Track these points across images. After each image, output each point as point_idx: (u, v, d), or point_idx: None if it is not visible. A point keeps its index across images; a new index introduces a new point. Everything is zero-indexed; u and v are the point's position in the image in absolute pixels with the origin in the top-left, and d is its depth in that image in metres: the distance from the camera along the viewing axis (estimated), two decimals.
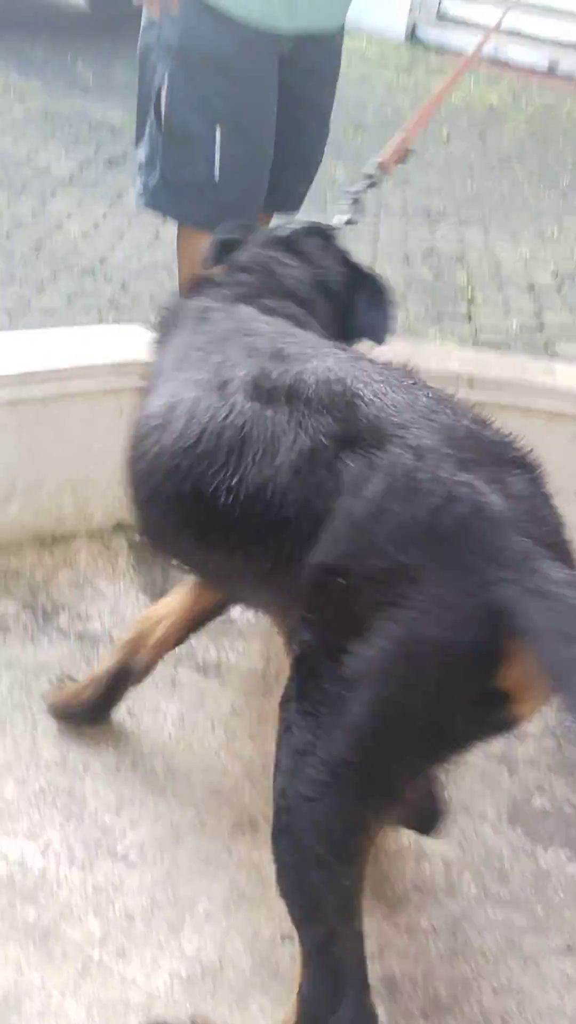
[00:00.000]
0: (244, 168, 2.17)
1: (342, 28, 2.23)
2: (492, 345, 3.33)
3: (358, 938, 1.20)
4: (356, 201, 1.90)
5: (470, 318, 3.55)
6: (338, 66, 2.30)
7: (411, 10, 8.06)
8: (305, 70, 2.18)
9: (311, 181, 2.41)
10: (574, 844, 1.63)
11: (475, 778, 1.69)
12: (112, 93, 5.36)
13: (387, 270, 3.80)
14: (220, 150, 2.11)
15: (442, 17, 8.39)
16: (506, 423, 2.07)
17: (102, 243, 3.67)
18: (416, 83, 6.73)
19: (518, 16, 8.24)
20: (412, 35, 8.17)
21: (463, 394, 2.07)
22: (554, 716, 1.84)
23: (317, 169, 2.41)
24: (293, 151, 2.25)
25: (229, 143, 2.11)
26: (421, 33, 8.21)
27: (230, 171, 2.14)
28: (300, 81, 2.18)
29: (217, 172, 2.13)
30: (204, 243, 2.17)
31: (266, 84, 2.14)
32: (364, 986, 1.20)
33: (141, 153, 2.22)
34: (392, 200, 4.31)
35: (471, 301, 3.64)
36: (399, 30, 8.04)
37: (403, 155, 1.95)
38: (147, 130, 2.18)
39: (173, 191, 2.18)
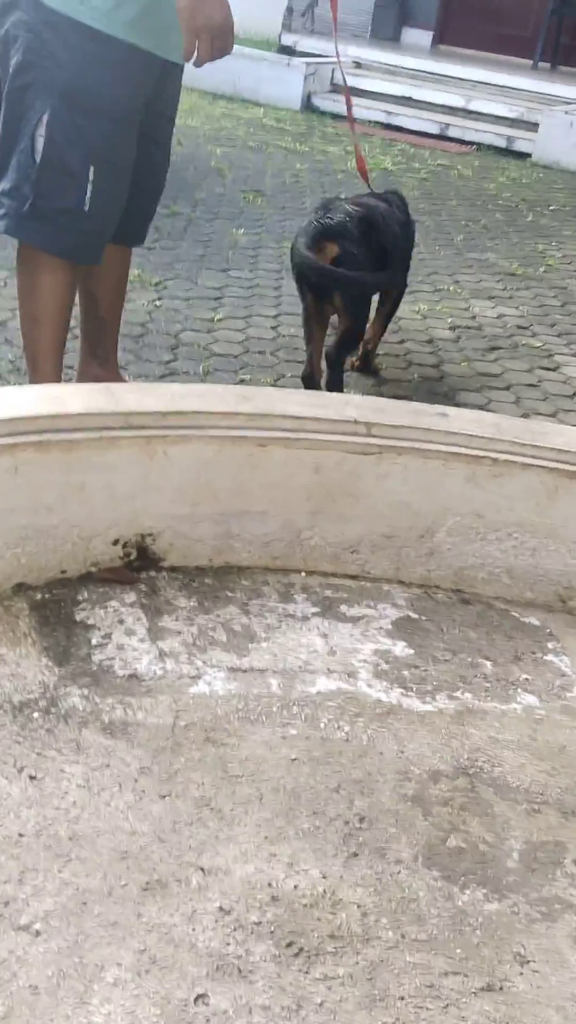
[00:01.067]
0: (110, 201, 2.34)
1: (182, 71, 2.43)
2: (395, 396, 3.40)
3: None
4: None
5: (375, 371, 3.63)
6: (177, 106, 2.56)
7: (306, 80, 8.38)
8: (157, 111, 2.38)
9: (154, 213, 2.64)
10: (491, 883, 1.62)
11: (389, 821, 1.68)
12: None
13: (291, 329, 3.86)
14: (92, 185, 2.26)
15: (335, 87, 8.74)
16: (406, 464, 2.12)
17: (3, 307, 3.66)
18: (312, 148, 6.92)
19: (408, 85, 8.65)
20: (307, 104, 8.47)
21: (362, 440, 2.13)
22: (466, 755, 1.85)
23: (158, 202, 2.64)
24: (145, 185, 2.47)
25: (100, 179, 2.27)
26: (316, 102, 8.53)
27: (99, 204, 2.30)
28: (154, 121, 2.39)
29: (88, 204, 2.28)
30: (48, 276, 2.30)
31: (136, 125, 2.32)
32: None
33: (3, 184, 2.32)
34: None
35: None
36: (295, 99, 8.35)
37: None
38: (13, 161, 2.28)
39: (42, 220, 2.30)
